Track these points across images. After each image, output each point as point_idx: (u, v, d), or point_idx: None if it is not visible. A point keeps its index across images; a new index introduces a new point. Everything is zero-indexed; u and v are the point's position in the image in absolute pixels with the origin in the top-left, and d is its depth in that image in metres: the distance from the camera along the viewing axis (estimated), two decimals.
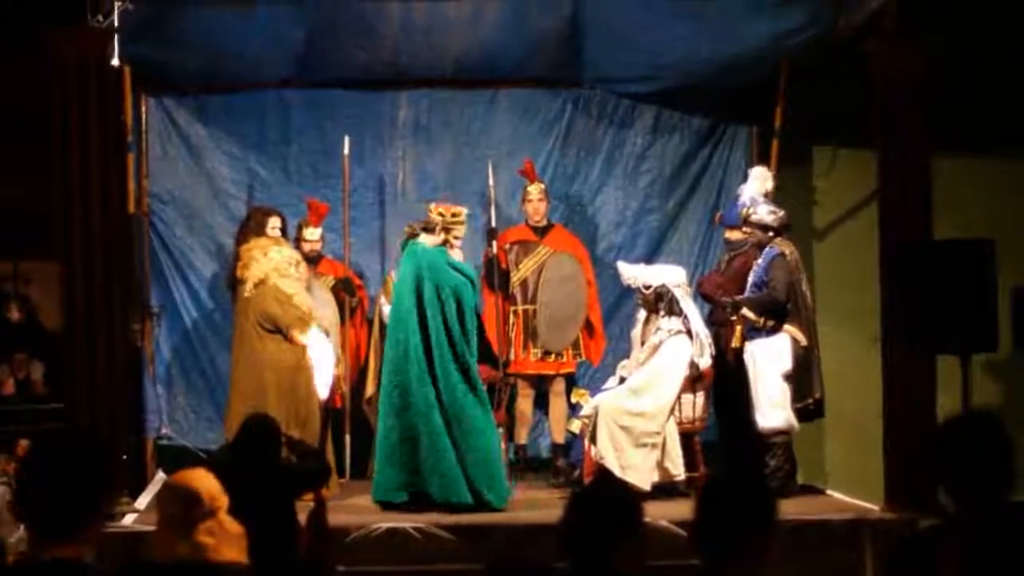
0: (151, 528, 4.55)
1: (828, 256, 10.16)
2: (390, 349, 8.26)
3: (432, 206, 8.53)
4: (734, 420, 8.92)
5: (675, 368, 8.50)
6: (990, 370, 9.73)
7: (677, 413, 8.52)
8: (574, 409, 8.94)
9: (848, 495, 8.77)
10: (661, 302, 8.65)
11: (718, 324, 9.05)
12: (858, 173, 9.67)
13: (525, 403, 9.61)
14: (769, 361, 8.54)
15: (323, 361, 8.70)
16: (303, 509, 6.30)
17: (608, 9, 9.07)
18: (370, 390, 9.30)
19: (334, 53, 9.54)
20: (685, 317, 8.62)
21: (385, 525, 7.69)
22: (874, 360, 8.39)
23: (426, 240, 8.35)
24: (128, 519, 7.75)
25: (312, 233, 9.49)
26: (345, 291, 9.49)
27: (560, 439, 9.50)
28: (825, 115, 9.76)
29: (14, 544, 5.08)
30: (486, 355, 8.90)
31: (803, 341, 8.59)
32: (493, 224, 9.54)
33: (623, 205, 10.36)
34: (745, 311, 8.63)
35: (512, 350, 9.54)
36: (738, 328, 8.71)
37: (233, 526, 4.43)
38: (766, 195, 9.13)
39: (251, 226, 9.06)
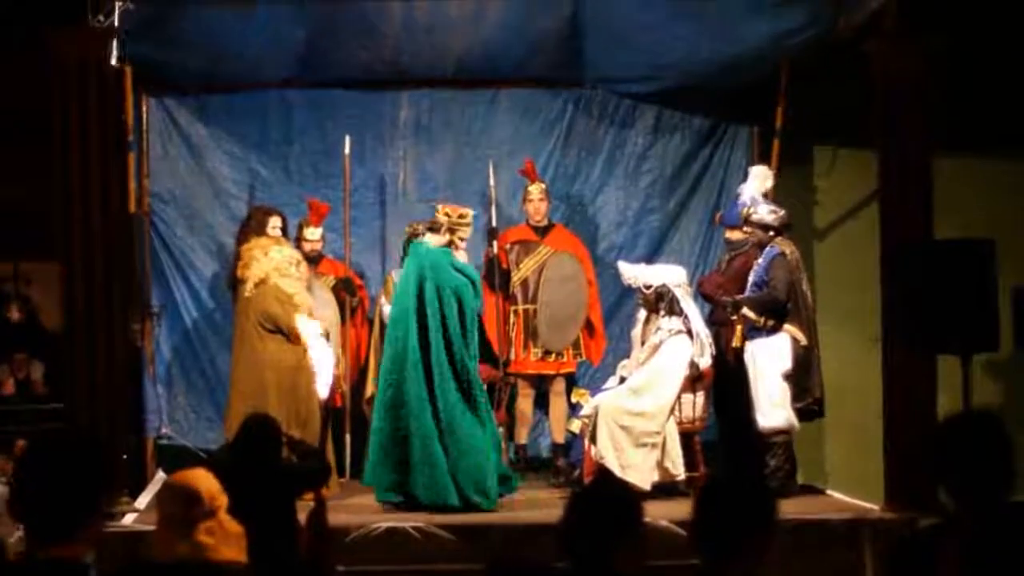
0: (151, 528, 4.55)
1: (828, 256, 10.16)
2: (388, 347, 8.26)
3: (439, 206, 8.53)
4: (734, 420, 8.92)
5: (675, 368, 8.50)
6: (990, 370, 9.73)
7: (677, 413, 8.52)
8: (574, 409, 8.94)
9: (848, 495, 8.77)
10: (662, 302, 8.65)
11: (718, 324, 9.05)
12: (858, 173, 9.67)
13: (525, 403, 9.60)
14: (769, 361, 8.54)
15: (323, 362, 8.69)
16: (303, 509, 6.30)
17: (608, 9, 9.07)
18: (370, 390, 9.29)
19: (335, 53, 9.53)
20: (685, 317, 8.62)
21: (385, 525, 7.69)
22: (874, 360, 8.38)
23: (431, 240, 8.35)
24: (128, 519, 7.75)
25: (313, 233, 9.50)
26: (346, 291, 9.49)
27: (560, 439, 9.50)
28: (825, 115, 9.76)
29: (14, 544, 5.08)
30: (486, 355, 8.91)
31: (803, 341, 8.59)
32: (494, 224, 9.54)
33: (624, 205, 10.36)
34: (745, 311, 8.62)
35: (512, 350, 9.54)
36: (738, 328, 8.71)
37: (233, 526, 4.43)
38: (766, 194, 9.14)
39: (252, 226, 9.06)
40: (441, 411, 8.02)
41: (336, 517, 7.00)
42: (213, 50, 9.27)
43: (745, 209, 8.87)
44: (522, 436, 9.64)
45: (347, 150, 9.52)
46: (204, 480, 4.47)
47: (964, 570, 3.50)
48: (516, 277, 9.62)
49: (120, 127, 8.44)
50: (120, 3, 7.80)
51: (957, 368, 7.45)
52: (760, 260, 8.74)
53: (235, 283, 8.84)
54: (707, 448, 8.82)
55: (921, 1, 8.07)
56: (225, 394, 9.03)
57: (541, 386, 9.64)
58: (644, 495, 7.44)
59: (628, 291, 9.32)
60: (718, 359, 8.78)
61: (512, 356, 9.52)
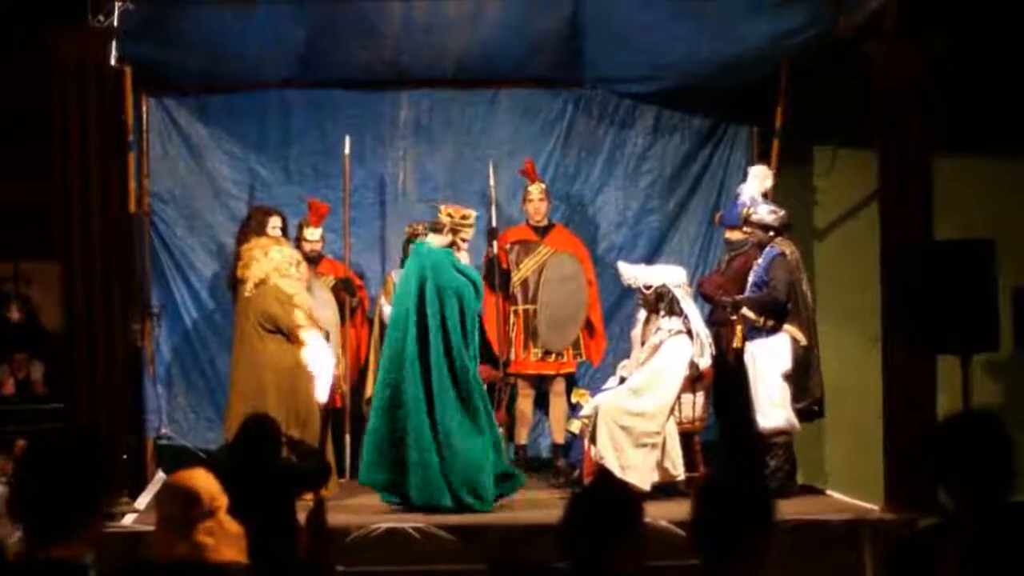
0: (150, 528, 4.54)
1: (828, 256, 10.16)
2: (387, 347, 8.26)
3: (442, 207, 8.51)
4: (734, 420, 8.92)
5: (675, 368, 8.50)
6: (990, 370, 9.73)
7: (677, 413, 8.52)
8: (574, 409, 8.94)
9: (848, 495, 8.77)
10: (661, 302, 8.65)
11: (718, 324, 9.05)
12: (858, 173, 9.67)
13: (525, 403, 9.60)
14: (769, 361, 8.54)
15: (322, 366, 8.67)
16: (303, 509, 6.29)
17: (608, 9, 9.07)
18: (370, 390, 9.29)
19: (335, 53, 9.53)
20: (685, 317, 8.62)
21: (385, 525, 7.69)
22: (874, 360, 8.38)
23: (433, 240, 8.34)
24: (128, 519, 7.75)
25: (312, 233, 9.49)
26: (345, 291, 9.49)
27: (560, 439, 9.49)
28: (825, 115, 9.76)
29: (14, 544, 5.08)
30: (486, 355, 8.90)
31: (803, 341, 8.58)
32: (494, 224, 9.54)
33: (624, 205, 10.36)
34: (745, 311, 8.62)
35: (512, 350, 9.54)
36: (739, 328, 8.71)
37: (232, 526, 4.42)
38: (765, 194, 9.14)
39: (252, 226, 9.06)
40: (437, 412, 8.01)
41: (336, 517, 6.99)
42: (213, 50, 9.27)
43: (745, 209, 8.87)
44: (522, 436, 9.63)
45: (347, 150, 9.52)
46: (204, 480, 4.46)
47: (964, 570, 3.50)
48: (516, 277, 9.62)
49: (120, 127, 8.44)
50: (120, 3, 7.80)
51: (957, 368, 7.45)
52: (760, 260, 8.74)
53: (235, 283, 8.84)
54: (707, 448, 8.82)
55: (921, 1, 8.07)
56: (225, 394, 9.03)
57: (541, 386, 9.64)
58: (644, 495, 7.44)
59: (628, 291, 9.32)
60: (718, 359, 8.78)
61: (512, 356, 9.52)
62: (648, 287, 8.69)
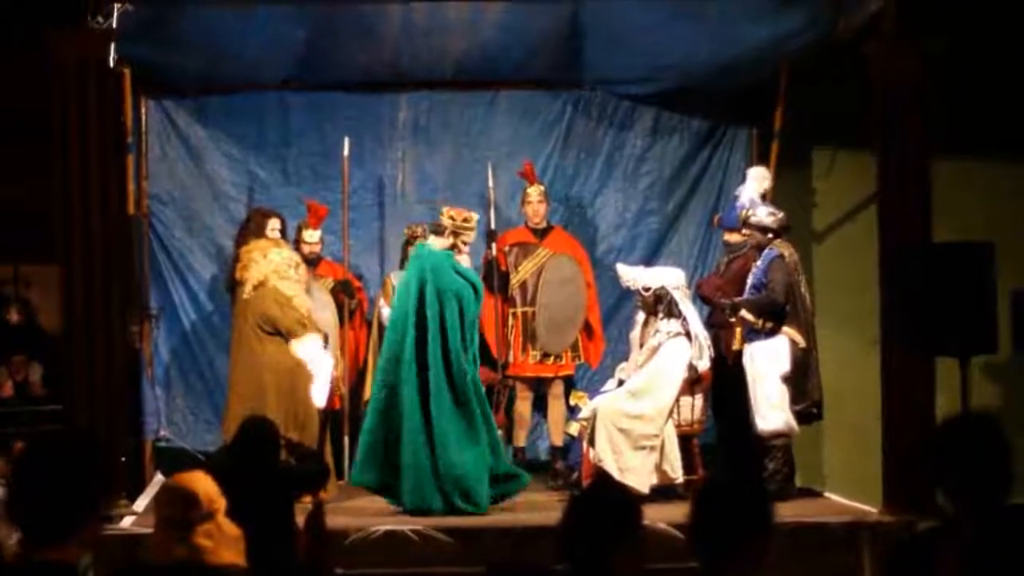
0: (149, 530, 4.55)
1: (827, 258, 10.15)
2: (385, 349, 8.25)
3: (444, 209, 8.49)
4: (733, 423, 8.92)
5: (674, 370, 8.49)
6: (989, 372, 9.72)
7: (676, 416, 8.52)
8: (573, 411, 8.94)
9: (846, 497, 8.76)
10: (660, 304, 8.64)
11: (717, 326, 9.04)
12: (857, 175, 9.66)
13: (524, 405, 9.59)
14: (768, 363, 8.53)
15: (320, 371, 8.66)
16: (301, 511, 6.28)
17: (608, 11, 9.06)
18: (369, 392, 9.28)
19: (334, 54, 9.54)
20: (684, 319, 8.61)
21: (383, 528, 7.69)
22: (873, 362, 8.38)
23: (434, 243, 8.34)
24: (126, 521, 7.74)
25: (311, 235, 9.49)
26: (344, 293, 9.48)
27: (559, 442, 9.49)
28: (824, 117, 9.77)
29: (13, 546, 5.07)
30: (485, 357, 8.89)
31: (802, 343, 8.58)
32: (492, 226, 9.54)
33: (623, 207, 10.37)
34: (744, 313, 8.62)
35: (511, 352, 9.53)
36: (738, 330, 8.70)
37: (231, 528, 4.43)
38: (764, 196, 9.14)
39: (251, 228, 9.07)
40: (433, 415, 7.99)
41: (335, 520, 6.98)
42: (212, 51, 9.27)
43: (744, 211, 8.87)
44: (520, 439, 9.62)
45: (346, 152, 9.52)
46: (202, 482, 4.47)
47: (963, 573, 3.50)
48: (515, 279, 9.61)
49: (119, 128, 8.44)
50: (119, 4, 7.79)
51: (956, 370, 7.45)
52: (759, 262, 8.73)
53: (234, 285, 8.83)
54: (706, 451, 8.82)
55: (920, 4, 8.07)
56: (223, 396, 9.01)
57: (539, 389, 9.63)
58: (642, 498, 7.45)
59: (627, 293, 9.31)
60: (717, 362, 8.77)
61: (510, 359, 9.52)
62: (647, 289, 8.69)
